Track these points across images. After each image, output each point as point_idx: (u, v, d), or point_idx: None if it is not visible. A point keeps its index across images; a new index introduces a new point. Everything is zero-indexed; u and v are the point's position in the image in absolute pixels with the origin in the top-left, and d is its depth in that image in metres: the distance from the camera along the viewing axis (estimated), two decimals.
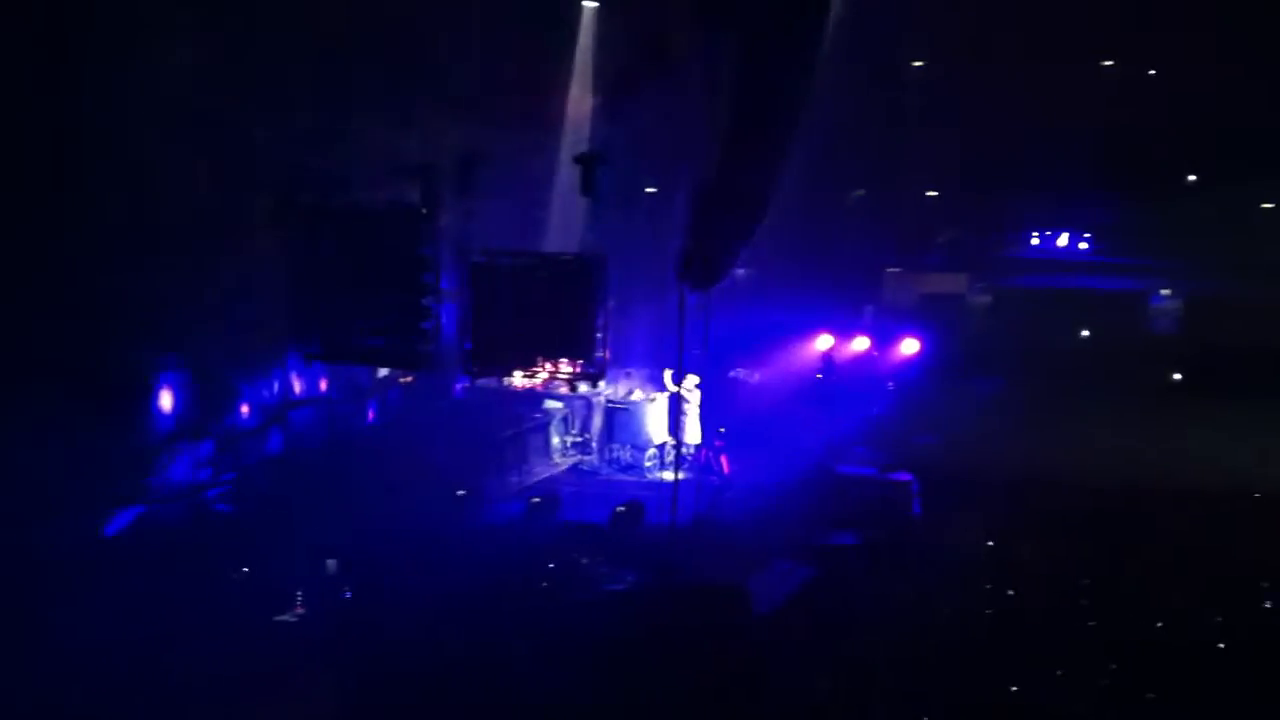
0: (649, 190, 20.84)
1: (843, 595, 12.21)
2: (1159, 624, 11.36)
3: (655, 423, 18.34)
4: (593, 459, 18.75)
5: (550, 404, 18.51)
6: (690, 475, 15.67)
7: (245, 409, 15.42)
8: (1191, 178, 23.04)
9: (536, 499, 15.05)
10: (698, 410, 17.33)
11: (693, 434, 17.32)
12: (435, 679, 9.89)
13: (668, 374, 18.25)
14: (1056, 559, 13.23)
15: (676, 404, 16.86)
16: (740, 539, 14.07)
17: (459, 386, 18.00)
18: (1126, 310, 22.75)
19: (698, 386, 17.15)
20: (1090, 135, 22.57)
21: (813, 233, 21.95)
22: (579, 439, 18.89)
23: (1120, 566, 12.84)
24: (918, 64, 23.47)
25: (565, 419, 18.82)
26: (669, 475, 16.23)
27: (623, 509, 14.39)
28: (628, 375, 19.03)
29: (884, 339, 20.75)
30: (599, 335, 14.12)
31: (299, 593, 12.14)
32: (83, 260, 11.97)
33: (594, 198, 13.45)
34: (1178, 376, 21.14)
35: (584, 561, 12.96)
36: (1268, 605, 12.10)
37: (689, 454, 17.09)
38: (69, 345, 11.68)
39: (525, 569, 12.50)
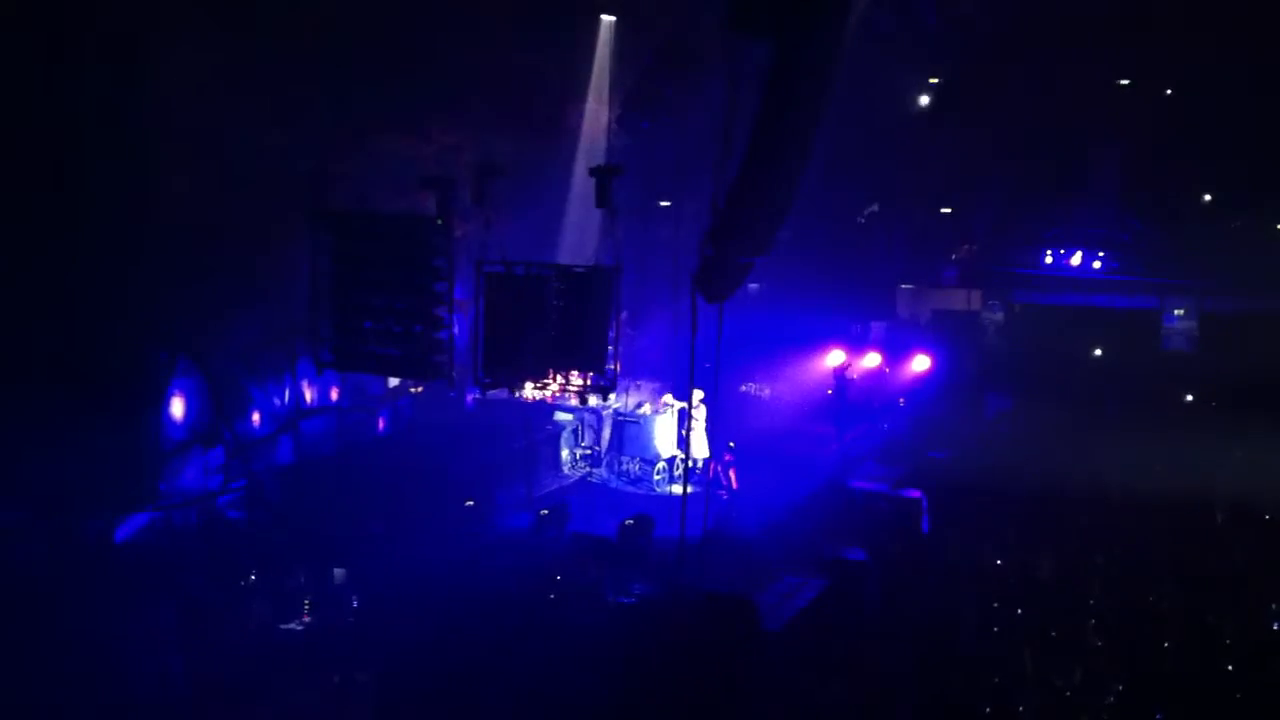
0: (663, 203, 20.90)
1: (852, 610, 12.18)
2: (1167, 644, 11.30)
3: (664, 436, 18.34)
4: (602, 471, 18.74)
5: (560, 416, 18.53)
6: (699, 489, 15.64)
7: (257, 416, 15.50)
8: (1207, 197, 23.02)
9: (545, 511, 15.03)
10: (704, 425, 17.31)
11: (700, 448, 17.32)
12: (442, 690, 9.90)
13: (668, 396, 18.32)
14: (1066, 576, 13.18)
15: (685, 418, 16.84)
16: (749, 553, 14.03)
17: (470, 397, 18.03)
18: (1140, 329, 22.68)
19: (703, 401, 17.12)
20: (1106, 153, 22.62)
21: (826, 247, 21.99)
22: (588, 451, 18.89)
23: (1130, 584, 12.78)
24: (934, 80, 23.53)
25: (575, 431, 18.82)
26: (678, 489, 16.19)
27: (631, 522, 14.36)
28: (637, 387, 19.03)
29: (896, 354, 20.71)
30: (610, 347, 14.07)
31: (307, 601, 12.19)
32: (89, 263, 12.03)
33: (609, 210, 13.41)
34: (1190, 398, 21.06)
35: (592, 574, 12.95)
36: (1277, 628, 12.02)
37: (697, 468, 17.07)
38: (78, 350, 11.74)
39: (533, 581, 12.50)
